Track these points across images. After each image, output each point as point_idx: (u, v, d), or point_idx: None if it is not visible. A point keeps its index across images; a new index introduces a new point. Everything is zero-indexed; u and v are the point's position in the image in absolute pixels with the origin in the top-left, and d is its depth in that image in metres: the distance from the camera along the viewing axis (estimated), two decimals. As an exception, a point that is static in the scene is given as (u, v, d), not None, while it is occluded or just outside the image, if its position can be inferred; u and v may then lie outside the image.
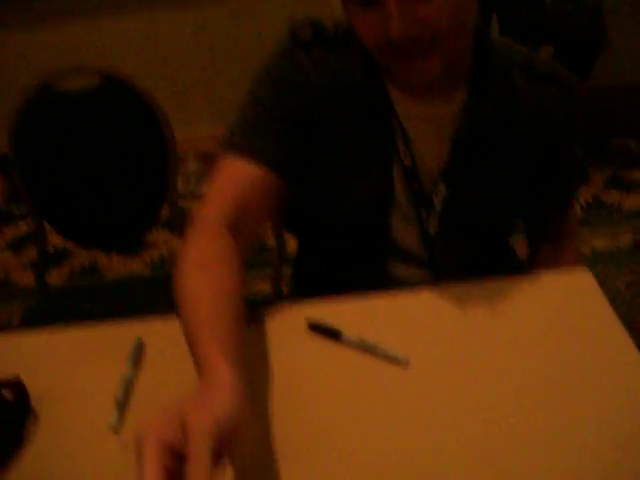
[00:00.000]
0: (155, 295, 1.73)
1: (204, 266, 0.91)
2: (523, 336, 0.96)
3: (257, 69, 1.07)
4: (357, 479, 0.78)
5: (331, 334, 0.96)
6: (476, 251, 1.18)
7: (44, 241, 1.78)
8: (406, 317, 1.00)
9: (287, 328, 1.00)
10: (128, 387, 0.91)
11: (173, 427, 0.64)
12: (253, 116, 1.04)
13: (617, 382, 0.88)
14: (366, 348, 0.94)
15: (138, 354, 0.96)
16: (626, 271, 2.44)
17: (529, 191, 1.15)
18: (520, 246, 1.32)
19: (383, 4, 0.86)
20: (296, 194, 1.09)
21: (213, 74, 3.17)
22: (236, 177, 1.02)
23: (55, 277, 2.62)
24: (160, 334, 1.00)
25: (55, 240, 2.72)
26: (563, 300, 1.02)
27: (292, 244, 1.40)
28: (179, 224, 1.74)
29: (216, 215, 0.98)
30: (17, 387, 0.88)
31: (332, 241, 1.19)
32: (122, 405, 0.89)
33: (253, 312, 1.02)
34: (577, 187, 1.24)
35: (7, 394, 0.88)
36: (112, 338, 1.00)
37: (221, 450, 0.64)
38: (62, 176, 1.68)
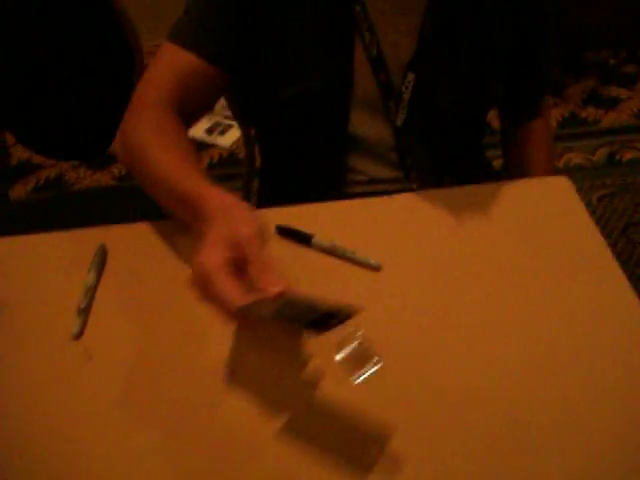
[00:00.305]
0: (122, 206, 1.70)
1: (162, 131, 0.94)
2: (498, 242, 0.93)
3: None
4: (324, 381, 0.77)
5: (301, 238, 0.93)
6: (447, 151, 1.15)
7: (6, 152, 1.71)
8: (379, 222, 0.97)
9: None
10: (90, 294, 0.88)
11: (221, 250, 0.69)
12: (200, 5, 1.01)
13: (595, 289, 0.87)
14: (338, 253, 0.91)
15: (101, 261, 0.92)
16: (599, 185, 2.43)
17: (499, 82, 1.12)
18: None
19: None
20: (248, 84, 1.07)
21: None
22: (177, 67, 1.00)
23: (19, 191, 2.54)
24: (123, 241, 0.96)
25: (19, 153, 2.65)
26: (541, 206, 1.00)
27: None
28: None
29: (157, 96, 0.99)
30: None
31: (292, 137, 1.14)
32: (84, 312, 0.85)
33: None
34: (549, 83, 1.22)
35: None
36: (75, 245, 0.96)
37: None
38: (24, 86, 1.60)
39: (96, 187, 2.52)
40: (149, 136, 0.94)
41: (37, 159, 2.60)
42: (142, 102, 0.99)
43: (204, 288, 0.68)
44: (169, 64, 1.01)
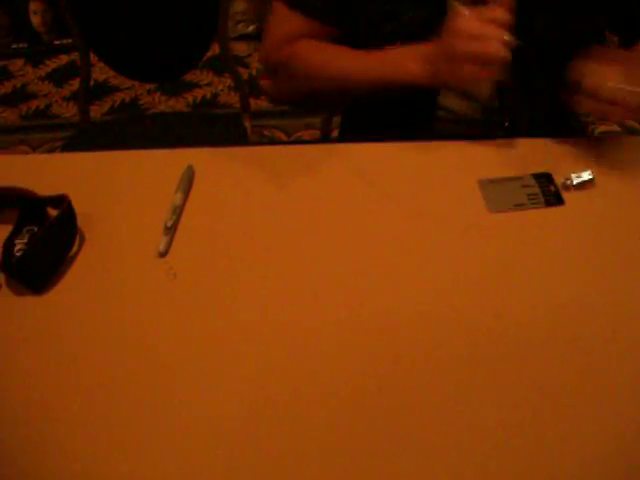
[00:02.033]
0: (198, 129, 1.69)
1: (312, 47, 1.04)
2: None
3: None
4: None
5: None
6: (545, 88, 1.08)
7: (89, 71, 1.71)
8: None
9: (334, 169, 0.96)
10: (177, 213, 0.88)
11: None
12: None
13: None
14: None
15: (189, 181, 0.92)
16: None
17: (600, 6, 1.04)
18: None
19: None
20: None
21: None
22: (286, 25, 1.07)
23: (95, 112, 2.57)
24: (211, 163, 0.95)
25: (97, 75, 2.67)
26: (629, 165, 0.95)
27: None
28: (228, 63, 1.67)
29: (280, 40, 1.08)
30: (63, 204, 0.84)
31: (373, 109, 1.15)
32: (170, 230, 0.85)
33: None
34: None
35: (53, 213, 0.85)
36: (163, 164, 0.96)
37: None
38: (109, 5, 1.59)
39: (170, 112, 2.53)
40: (309, 51, 1.04)
41: (114, 81, 2.62)
42: (274, 47, 1.08)
43: (469, 29, 0.85)
44: (279, 24, 1.08)
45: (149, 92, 2.61)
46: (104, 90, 2.65)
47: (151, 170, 0.95)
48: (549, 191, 0.89)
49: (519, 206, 0.88)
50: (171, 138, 1.65)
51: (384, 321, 0.73)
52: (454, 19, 0.87)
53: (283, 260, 0.82)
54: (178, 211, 0.88)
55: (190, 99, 2.59)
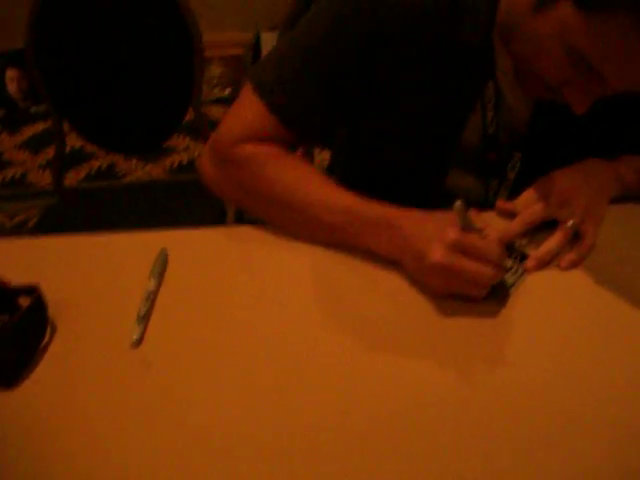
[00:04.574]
0: (174, 199, 1.69)
1: (277, 159, 0.95)
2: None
3: (316, 8, 0.94)
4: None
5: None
6: None
7: (63, 140, 1.71)
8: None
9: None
10: (151, 300, 0.86)
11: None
12: (296, 71, 0.94)
13: None
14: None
15: (162, 266, 0.91)
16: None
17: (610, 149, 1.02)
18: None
19: (598, 81, 0.77)
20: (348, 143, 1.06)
21: None
22: (257, 123, 0.96)
23: (72, 179, 2.56)
24: (185, 246, 0.94)
25: (73, 142, 2.67)
26: (617, 233, 0.95)
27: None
28: (202, 129, 1.67)
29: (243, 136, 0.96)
30: (34, 295, 0.82)
31: (383, 183, 1.06)
32: (144, 319, 0.83)
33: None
34: None
35: (23, 302, 0.83)
36: (136, 248, 0.95)
37: None
38: (84, 75, 1.60)
39: (147, 179, 2.53)
40: (267, 164, 0.94)
41: (90, 148, 2.62)
42: (229, 138, 0.97)
43: (451, 266, 0.78)
44: (249, 116, 0.96)
45: (125, 158, 2.61)
46: (81, 157, 2.65)
47: (124, 254, 0.94)
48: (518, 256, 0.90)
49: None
50: (147, 209, 1.64)
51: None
52: (451, 228, 0.80)
53: (262, 346, 0.80)
54: (152, 298, 0.86)
55: (168, 164, 2.60)
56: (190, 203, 1.61)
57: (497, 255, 0.81)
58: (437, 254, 0.79)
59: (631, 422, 0.71)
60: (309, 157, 1.52)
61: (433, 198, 1.04)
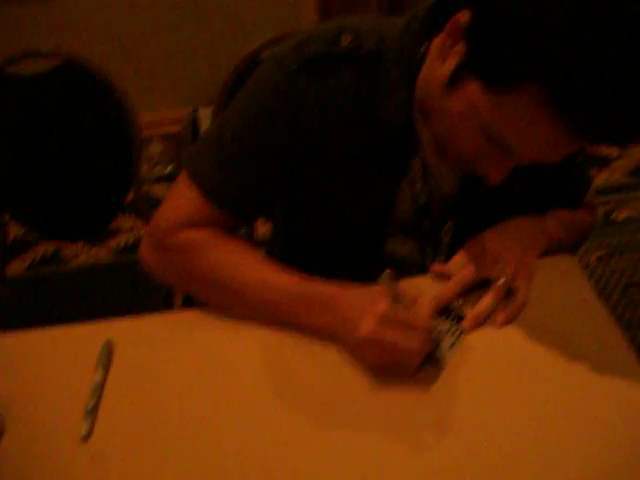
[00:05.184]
0: (121, 282, 1.68)
1: (215, 242, 0.97)
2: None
3: (244, 92, 0.98)
4: None
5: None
6: None
7: (4, 232, 1.70)
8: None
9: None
10: (97, 393, 0.86)
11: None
12: (227, 157, 0.97)
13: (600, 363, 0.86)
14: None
15: (107, 358, 0.91)
16: (596, 246, 2.44)
17: (539, 204, 1.08)
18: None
19: (508, 154, 0.81)
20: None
21: (178, 55, 3.05)
22: (194, 209, 0.98)
23: (17, 267, 2.53)
24: (130, 335, 0.95)
25: (15, 230, 2.65)
26: (548, 286, 0.99)
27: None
28: (144, 208, 1.69)
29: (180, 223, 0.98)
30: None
31: (322, 253, 1.10)
32: (91, 413, 0.84)
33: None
34: (586, 191, 1.18)
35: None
36: (80, 341, 0.95)
37: None
38: (21, 164, 1.60)
39: (94, 263, 2.52)
40: (208, 248, 0.97)
41: (34, 235, 2.60)
42: (169, 225, 0.99)
43: (382, 339, 0.81)
44: (184, 200, 0.98)
45: (70, 242, 2.60)
46: (25, 244, 2.63)
47: (70, 348, 0.94)
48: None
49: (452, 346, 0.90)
50: (94, 294, 1.63)
51: None
52: (380, 301, 0.83)
53: (213, 435, 0.81)
54: (98, 391, 0.86)
55: (114, 245, 2.59)
56: (137, 285, 1.61)
57: (426, 326, 0.84)
58: (365, 328, 0.82)
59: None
60: (250, 231, 1.54)
61: (374, 265, 1.06)
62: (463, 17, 0.78)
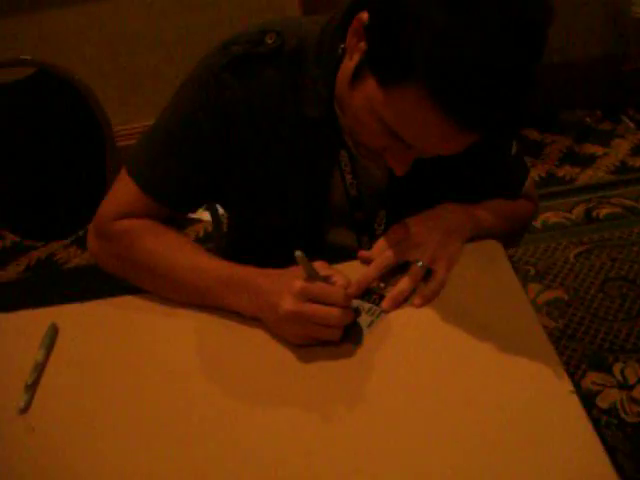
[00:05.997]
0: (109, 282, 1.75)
1: (150, 231, 1.04)
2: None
3: (175, 92, 1.05)
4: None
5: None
6: None
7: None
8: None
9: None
10: (39, 370, 0.93)
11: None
12: (161, 154, 1.05)
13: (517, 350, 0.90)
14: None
15: (51, 339, 0.98)
16: (576, 242, 2.47)
17: (472, 194, 1.12)
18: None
19: (408, 147, 0.87)
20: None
21: (157, 68, 3.07)
22: (131, 201, 1.06)
23: (12, 271, 2.62)
24: (75, 319, 1.02)
25: (12, 235, 2.72)
26: (471, 270, 1.04)
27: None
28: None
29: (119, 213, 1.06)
30: None
31: (266, 242, 1.17)
32: (31, 388, 0.90)
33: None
34: (522, 182, 1.22)
35: None
36: (27, 325, 1.02)
37: None
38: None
39: (85, 265, 2.60)
40: (144, 238, 1.03)
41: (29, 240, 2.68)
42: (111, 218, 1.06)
43: (301, 312, 0.87)
44: (126, 195, 1.06)
45: (64, 247, 2.68)
46: (20, 249, 2.71)
47: (16, 330, 1.01)
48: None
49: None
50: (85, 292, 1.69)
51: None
52: (297, 279, 0.90)
53: (149, 412, 0.87)
54: (40, 368, 0.93)
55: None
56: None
57: (342, 297, 0.90)
58: (286, 304, 0.89)
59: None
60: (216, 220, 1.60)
61: (317, 254, 1.13)
62: (364, 16, 0.85)
